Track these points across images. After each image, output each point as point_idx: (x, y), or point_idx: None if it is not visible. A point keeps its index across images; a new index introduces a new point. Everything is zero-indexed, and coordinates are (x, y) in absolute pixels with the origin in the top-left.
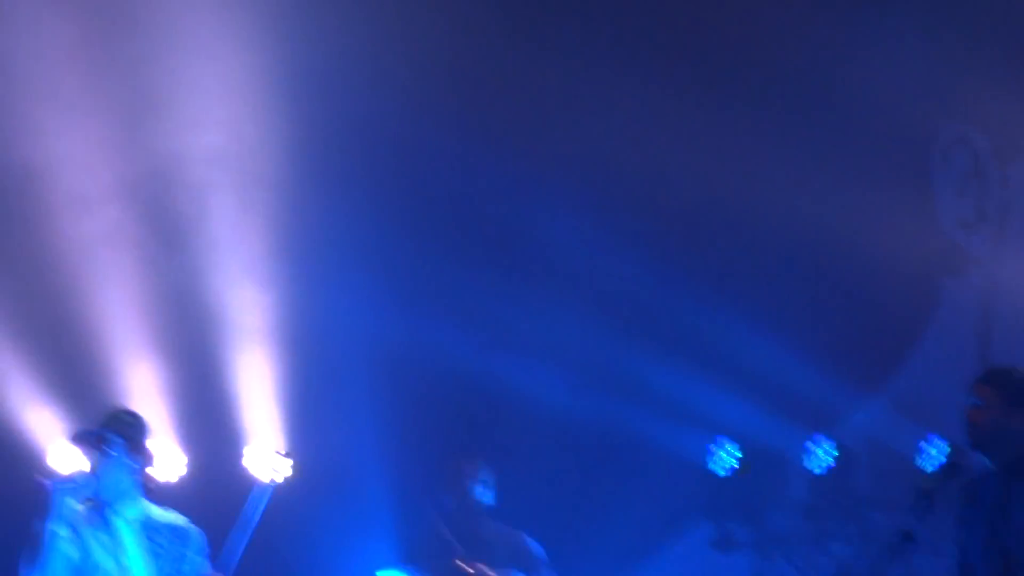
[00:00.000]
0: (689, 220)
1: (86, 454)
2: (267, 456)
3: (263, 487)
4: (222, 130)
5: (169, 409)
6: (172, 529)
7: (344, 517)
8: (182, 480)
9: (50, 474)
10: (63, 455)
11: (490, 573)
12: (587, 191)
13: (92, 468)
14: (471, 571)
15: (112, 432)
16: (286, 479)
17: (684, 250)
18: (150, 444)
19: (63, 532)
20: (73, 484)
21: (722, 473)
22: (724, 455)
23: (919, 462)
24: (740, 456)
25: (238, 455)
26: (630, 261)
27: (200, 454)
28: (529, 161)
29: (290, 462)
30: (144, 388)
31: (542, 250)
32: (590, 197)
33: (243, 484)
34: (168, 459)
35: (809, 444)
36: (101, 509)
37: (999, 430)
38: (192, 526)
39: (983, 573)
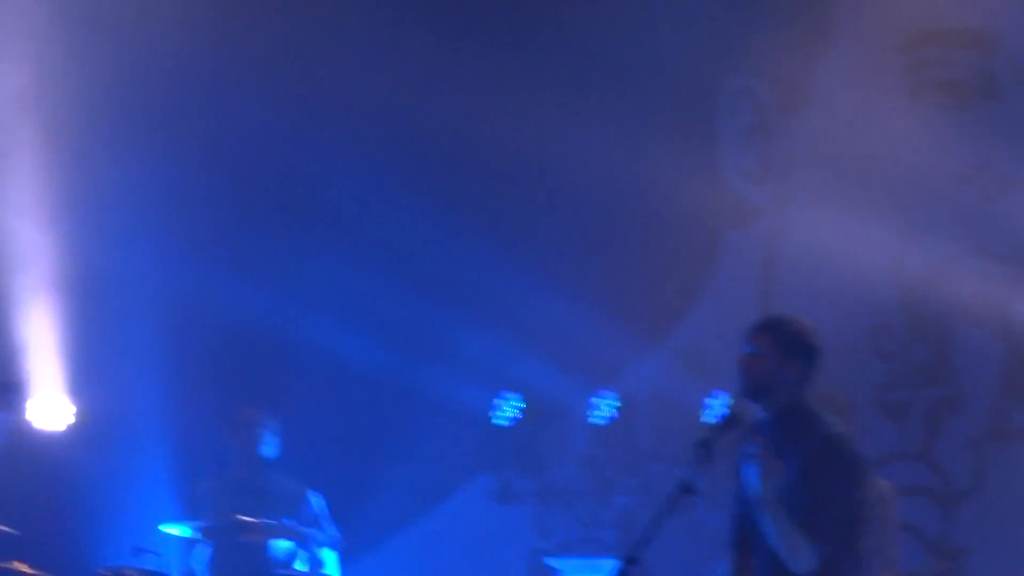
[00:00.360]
0: (474, 174)
1: None
2: (48, 403)
3: (42, 434)
4: (24, 69)
5: None
6: None
7: (127, 468)
8: None
9: None
10: None
11: (270, 526)
12: (372, 144)
13: None
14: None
15: None
16: (68, 427)
17: (468, 203)
18: None
19: None
20: None
21: (504, 425)
22: (507, 407)
23: (701, 415)
24: (522, 408)
25: (18, 401)
26: (415, 214)
27: None
28: (315, 113)
29: (73, 410)
30: None
31: (328, 202)
32: (375, 150)
33: (22, 431)
34: None
35: (591, 397)
36: None
37: (773, 379)
38: None
39: (756, 522)
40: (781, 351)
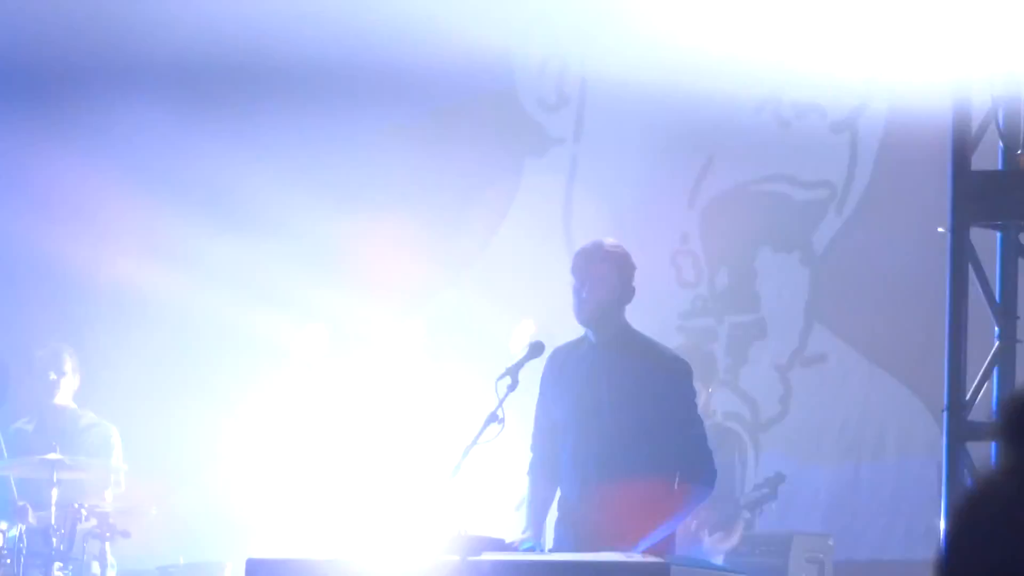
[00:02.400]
0: (275, 102)
1: None
2: None
3: None
4: None
5: None
6: None
7: None
8: None
9: None
10: None
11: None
12: (160, 70)
13: None
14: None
15: None
16: None
17: (271, 132)
18: None
19: None
20: None
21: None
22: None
23: (505, 343)
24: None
25: None
26: (214, 141)
27: None
28: (87, 39)
29: None
30: None
31: (109, 127)
32: (162, 76)
33: None
34: None
35: (397, 326)
36: None
37: (613, 305)
38: None
39: (570, 444)
40: (619, 277)
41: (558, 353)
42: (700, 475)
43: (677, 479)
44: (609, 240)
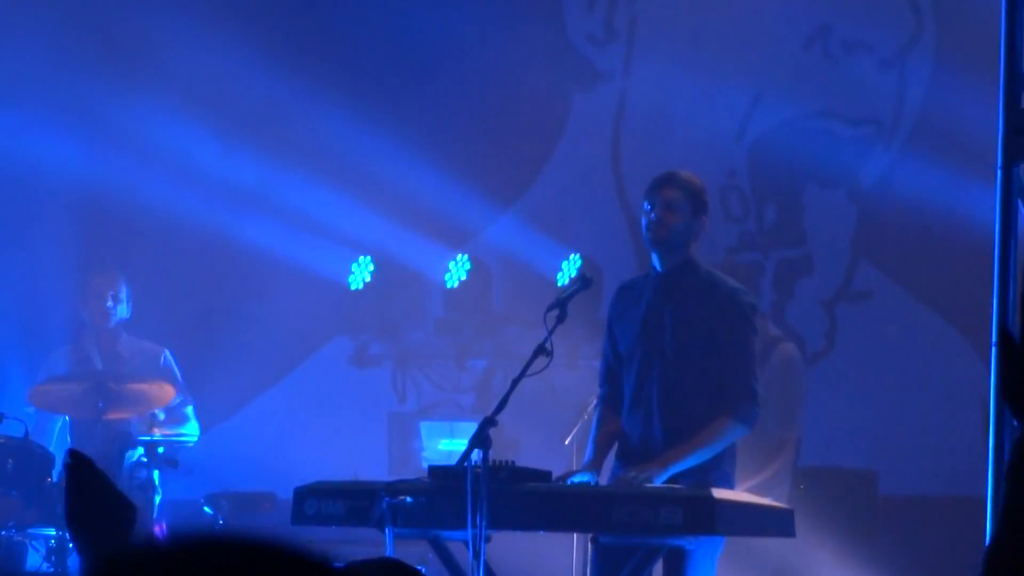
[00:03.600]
0: (327, 36)
1: None
2: None
3: None
4: None
5: None
6: None
7: None
8: None
9: None
10: None
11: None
12: (217, 5)
13: None
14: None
15: None
16: None
17: (323, 66)
18: None
19: None
20: None
21: (360, 289)
22: (360, 270)
23: (553, 276)
24: (374, 271)
25: None
26: (269, 78)
27: None
28: None
29: None
30: None
31: (165, 56)
32: (222, 10)
33: None
34: None
35: (445, 260)
36: None
37: (684, 232)
38: None
39: (633, 374)
40: (692, 205)
41: (624, 288)
42: (736, 411)
43: (715, 412)
44: (686, 171)
